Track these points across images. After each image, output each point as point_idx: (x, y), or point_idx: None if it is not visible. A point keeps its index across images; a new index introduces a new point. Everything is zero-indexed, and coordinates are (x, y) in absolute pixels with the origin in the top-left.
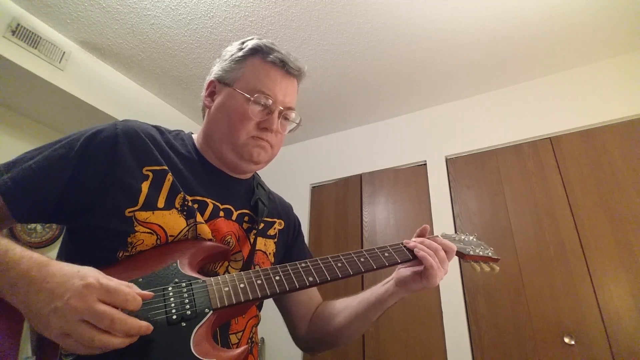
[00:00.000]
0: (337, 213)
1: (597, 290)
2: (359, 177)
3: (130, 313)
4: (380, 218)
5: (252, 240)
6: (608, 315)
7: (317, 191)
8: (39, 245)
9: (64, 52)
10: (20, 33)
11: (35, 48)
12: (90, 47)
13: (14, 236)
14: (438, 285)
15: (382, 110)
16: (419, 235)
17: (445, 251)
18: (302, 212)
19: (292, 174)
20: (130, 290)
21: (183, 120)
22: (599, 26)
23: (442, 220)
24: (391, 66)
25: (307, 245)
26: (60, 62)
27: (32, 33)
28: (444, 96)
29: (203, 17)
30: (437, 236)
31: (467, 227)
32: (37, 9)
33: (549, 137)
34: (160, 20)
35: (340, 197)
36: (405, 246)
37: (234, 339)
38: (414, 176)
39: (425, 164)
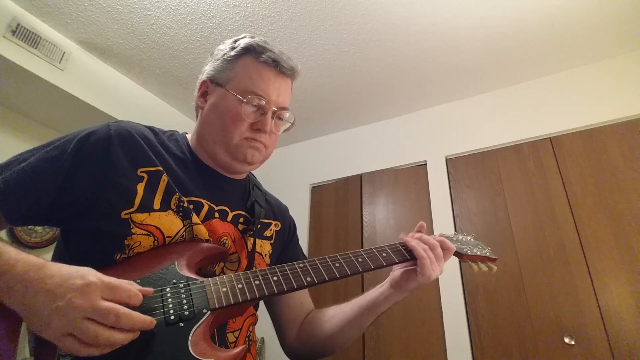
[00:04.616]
0: (337, 213)
1: (597, 290)
2: (359, 177)
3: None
4: (380, 218)
5: (247, 241)
6: (608, 315)
7: (317, 191)
8: (40, 245)
9: (64, 52)
10: (20, 33)
11: (35, 48)
12: (90, 47)
13: (14, 236)
14: (438, 285)
15: (382, 110)
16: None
17: (443, 249)
18: (302, 212)
19: (292, 174)
20: (131, 286)
21: (183, 120)
22: (599, 26)
23: (442, 220)
24: (391, 66)
25: (307, 245)
26: (60, 62)
27: (32, 33)
28: (444, 96)
29: (203, 17)
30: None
31: (467, 227)
32: (37, 9)
33: (549, 137)
34: (161, 20)
35: (340, 197)
36: (402, 247)
37: (231, 337)
38: (414, 176)
39: (425, 164)
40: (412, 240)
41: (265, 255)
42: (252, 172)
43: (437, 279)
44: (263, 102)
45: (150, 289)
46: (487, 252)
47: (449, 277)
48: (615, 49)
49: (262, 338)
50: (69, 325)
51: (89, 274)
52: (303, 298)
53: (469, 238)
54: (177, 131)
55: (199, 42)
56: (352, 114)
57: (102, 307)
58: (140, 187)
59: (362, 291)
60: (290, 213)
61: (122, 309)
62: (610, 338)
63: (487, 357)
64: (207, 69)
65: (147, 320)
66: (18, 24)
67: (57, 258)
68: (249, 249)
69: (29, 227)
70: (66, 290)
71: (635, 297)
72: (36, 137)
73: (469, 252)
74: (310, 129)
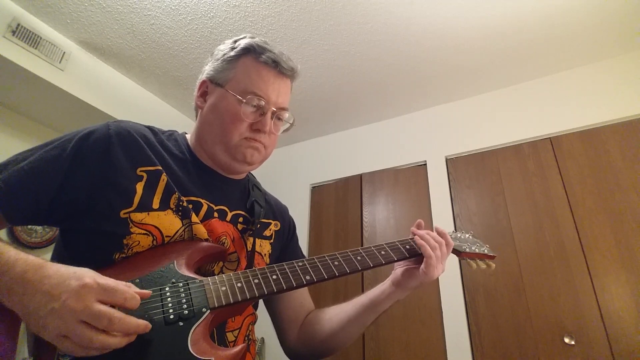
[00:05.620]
0: (337, 213)
1: (597, 290)
2: (359, 177)
3: (128, 313)
4: (380, 218)
5: (247, 241)
6: (608, 315)
7: (317, 191)
8: (40, 245)
9: (64, 52)
10: (20, 33)
11: (35, 48)
12: (90, 47)
13: (13, 236)
14: (438, 285)
15: (382, 110)
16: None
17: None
18: (302, 212)
19: (292, 174)
20: (128, 289)
21: (183, 120)
22: (599, 26)
23: (442, 220)
24: (391, 66)
25: (307, 245)
26: (60, 62)
27: (32, 33)
28: (444, 96)
29: (203, 17)
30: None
31: (467, 227)
32: (37, 9)
33: (549, 137)
34: (161, 20)
35: (340, 197)
36: (402, 245)
37: (230, 336)
38: (414, 176)
39: (425, 164)
40: (421, 237)
41: (265, 255)
42: (251, 172)
43: (437, 278)
44: (262, 103)
45: (148, 292)
46: (485, 250)
47: (449, 277)
48: (615, 49)
49: (262, 338)
50: (64, 328)
51: (86, 275)
52: (303, 298)
53: (467, 236)
54: (176, 131)
55: (199, 42)
56: (352, 114)
57: (95, 310)
58: (140, 187)
59: (362, 290)
60: (290, 213)
61: (116, 313)
62: (610, 338)
63: (487, 357)
64: (207, 69)
65: (141, 325)
66: (18, 24)
67: (56, 258)
68: (249, 249)
69: (29, 227)
70: (62, 291)
71: (635, 297)
72: (36, 137)
73: (467, 250)
74: (310, 129)
